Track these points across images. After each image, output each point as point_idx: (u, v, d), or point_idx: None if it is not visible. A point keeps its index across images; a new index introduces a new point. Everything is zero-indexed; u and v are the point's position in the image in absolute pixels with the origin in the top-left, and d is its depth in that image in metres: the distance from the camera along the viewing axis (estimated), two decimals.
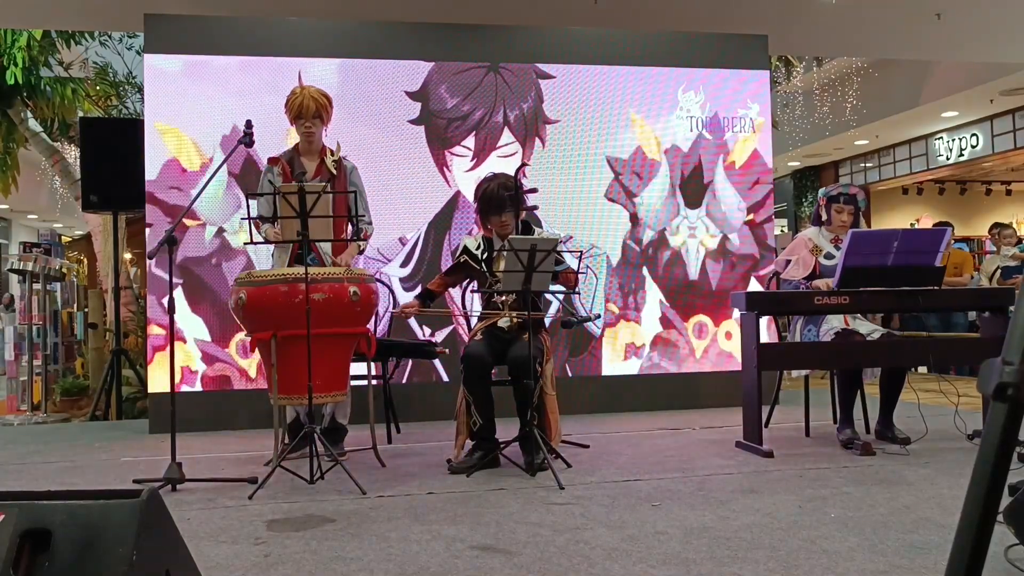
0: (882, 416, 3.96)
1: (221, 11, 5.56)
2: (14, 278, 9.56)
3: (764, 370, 3.72)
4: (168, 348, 3.39)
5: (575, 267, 3.75)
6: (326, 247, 3.79)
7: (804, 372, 4.24)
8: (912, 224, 11.89)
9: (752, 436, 3.74)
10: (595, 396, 5.28)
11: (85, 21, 6.79)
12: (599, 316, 5.26)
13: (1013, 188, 13.09)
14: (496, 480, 3.24)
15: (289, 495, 3.05)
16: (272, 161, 3.91)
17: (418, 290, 4.10)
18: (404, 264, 5.25)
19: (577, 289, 3.82)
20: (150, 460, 3.81)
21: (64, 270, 6.82)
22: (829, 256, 4.03)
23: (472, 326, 3.92)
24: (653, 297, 5.52)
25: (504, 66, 5.39)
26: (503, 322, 3.65)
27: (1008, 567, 2.03)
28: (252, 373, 4.97)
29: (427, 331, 5.20)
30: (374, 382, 3.81)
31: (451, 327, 5.20)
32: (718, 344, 5.54)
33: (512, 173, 3.66)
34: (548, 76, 5.45)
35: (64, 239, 15.66)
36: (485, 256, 3.71)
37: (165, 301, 3.62)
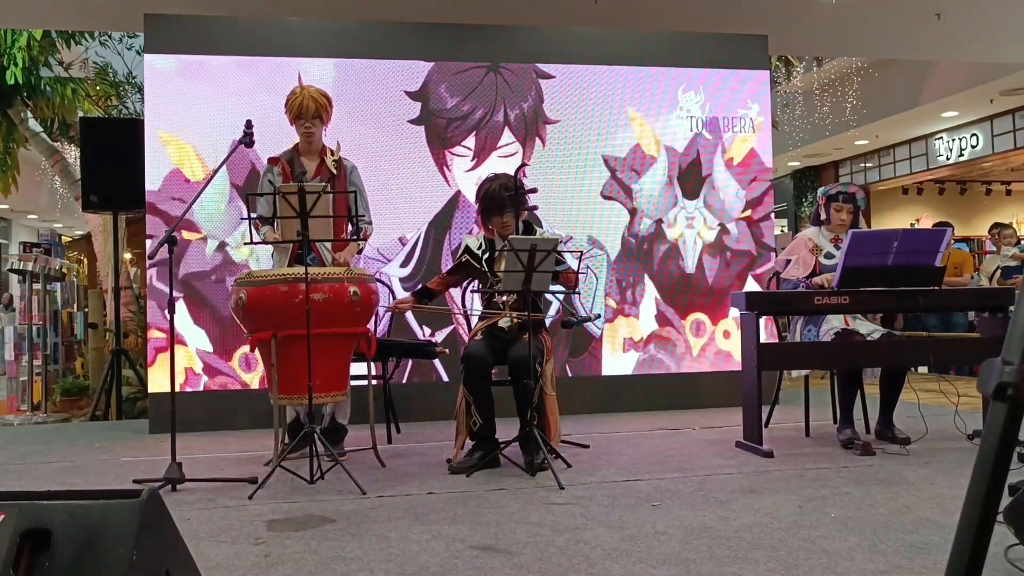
0: (882, 416, 3.96)
1: (221, 11, 5.57)
2: (14, 278, 9.56)
3: (764, 370, 3.72)
4: (168, 350, 3.39)
5: (575, 267, 3.75)
6: (326, 247, 3.79)
7: (804, 372, 4.24)
8: (912, 224, 11.90)
9: (752, 436, 3.74)
10: (595, 396, 5.28)
11: (85, 21, 6.79)
12: (599, 316, 5.25)
13: (1013, 188, 13.09)
14: (496, 480, 3.24)
15: (289, 495, 3.05)
16: (272, 161, 3.91)
17: (417, 288, 4.08)
18: (404, 264, 5.25)
19: (577, 289, 3.81)
20: (150, 460, 3.81)
21: (64, 270, 6.82)
22: (829, 256, 4.03)
23: (472, 326, 3.93)
24: (649, 295, 5.52)
25: (504, 66, 5.39)
26: (504, 322, 3.65)
27: (1008, 567, 2.03)
28: (255, 385, 4.96)
29: (427, 331, 5.20)
30: (374, 382, 3.81)
31: (451, 327, 5.19)
32: (716, 343, 5.53)
33: (513, 173, 3.66)
34: (548, 76, 5.45)
35: (64, 239, 15.66)
36: (487, 256, 3.72)
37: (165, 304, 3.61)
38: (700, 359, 5.50)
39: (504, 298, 3.64)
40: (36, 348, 6.38)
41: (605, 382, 5.36)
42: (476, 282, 3.91)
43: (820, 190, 4.28)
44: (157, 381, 4.81)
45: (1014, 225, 10.28)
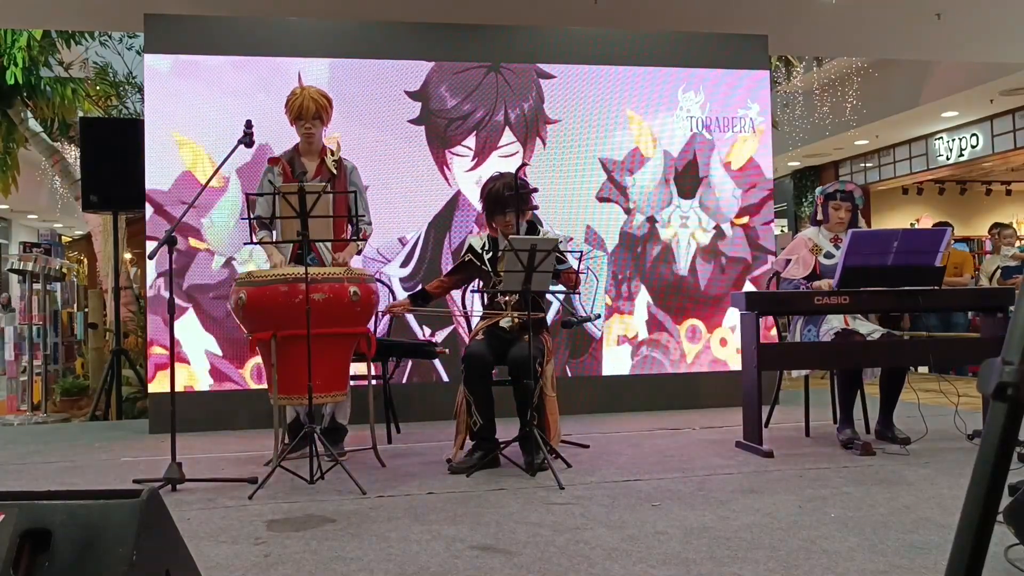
0: (882, 416, 3.96)
1: (221, 11, 5.56)
2: (14, 278, 9.56)
3: (764, 370, 3.72)
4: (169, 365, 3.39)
5: (576, 267, 3.75)
6: (325, 247, 3.79)
7: (804, 372, 4.24)
8: (912, 224, 11.89)
9: (752, 436, 3.74)
10: (595, 396, 5.28)
11: (85, 21, 6.79)
12: (599, 316, 5.25)
13: (1013, 188, 13.09)
14: (496, 480, 3.24)
15: (289, 495, 3.05)
16: (272, 161, 3.91)
17: (414, 291, 4.06)
18: (404, 264, 5.24)
19: (578, 290, 3.81)
20: (150, 460, 3.81)
21: (64, 270, 6.82)
22: (829, 255, 4.03)
23: (473, 326, 3.93)
24: (641, 299, 5.49)
25: (505, 66, 5.39)
26: (505, 322, 3.65)
27: (1008, 567, 2.03)
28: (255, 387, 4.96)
29: (427, 331, 5.20)
30: (374, 382, 3.81)
31: (451, 327, 5.19)
32: (711, 351, 5.50)
33: (514, 173, 3.66)
34: (549, 76, 5.45)
35: (64, 239, 15.66)
36: (490, 256, 3.71)
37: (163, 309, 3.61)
38: (695, 365, 5.48)
39: (506, 298, 3.64)
40: (36, 348, 6.38)
41: (605, 382, 5.36)
42: (477, 282, 3.91)
43: (818, 189, 4.28)
44: (157, 382, 4.81)
45: (1014, 225, 10.28)
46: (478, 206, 4.83)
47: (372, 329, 3.83)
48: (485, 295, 3.79)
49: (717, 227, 5.57)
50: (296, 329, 3.22)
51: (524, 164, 3.73)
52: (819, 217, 4.16)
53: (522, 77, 5.42)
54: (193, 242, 4.98)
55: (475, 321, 3.92)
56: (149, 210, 4.97)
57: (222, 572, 2.18)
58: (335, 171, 3.85)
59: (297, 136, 3.89)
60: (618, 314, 5.46)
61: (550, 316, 4.59)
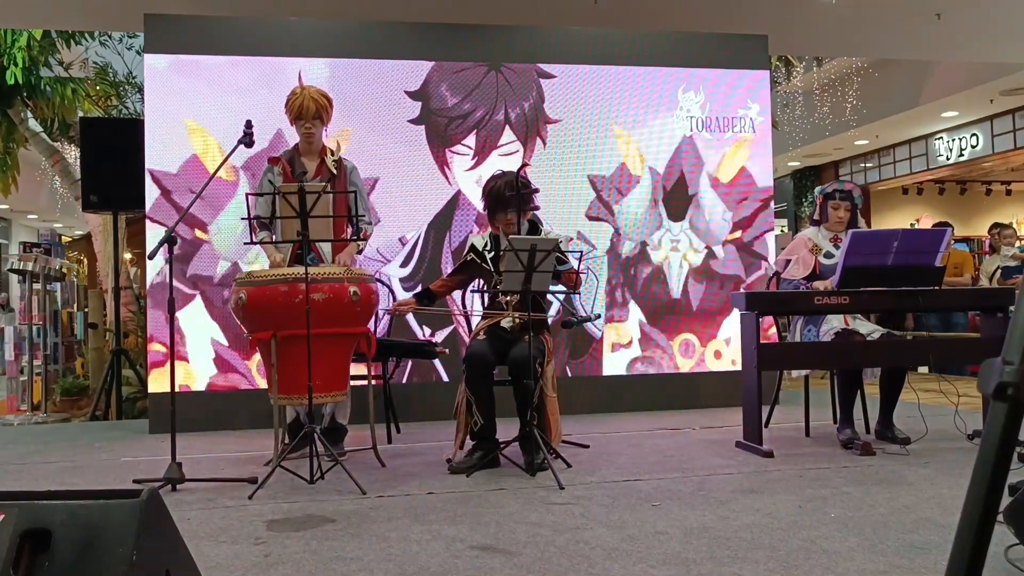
0: (882, 416, 3.96)
1: (221, 11, 5.56)
2: (14, 278, 9.56)
3: (764, 370, 3.72)
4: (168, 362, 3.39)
5: (576, 267, 3.75)
6: (326, 247, 3.79)
7: (804, 372, 4.24)
8: (912, 224, 11.90)
9: (752, 436, 3.74)
10: (595, 396, 5.28)
11: (85, 21, 6.79)
12: (599, 316, 5.24)
13: (1013, 188, 13.09)
14: (496, 480, 3.24)
15: (289, 495, 3.05)
16: (272, 161, 3.91)
17: (418, 290, 4.05)
18: (404, 264, 5.22)
19: (579, 290, 3.81)
20: (150, 460, 3.81)
21: (64, 270, 6.82)
22: (829, 255, 4.03)
23: (473, 326, 3.92)
24: (634, 317, 5.46)
25: (506, 66, 5.38)
26: (506, 322, 3.65)
27: (1008, 567, 2.03)
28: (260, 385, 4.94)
29: (427, 331, 5.19)
30: (374, 382, 3.81)
31: (451, 327, 5.19)
32: (706, 364, 5.49)
33: (516, 172, 3.65)
34: (549, 76, 5.44)
35: (64, 239, 15.65)
36: (492, 255, 3.71)
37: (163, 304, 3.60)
38: (695, 365, 5.47)
39: (507, 298, 3.64)
40: (36, 348, 6.37)
41: (605, 382, 5.36)
42: (478, 282, 3.91)
43: (817, 189, 4.28)
44: (157, 382, 4.81)
45: (1014, 225, 10.28)
46: (479, 205, 4.84)
47: (372, 329, 3.82)
48: (486, 295, 3.79)
49: (708, 248, 5.55)
50: (296, 329, 3.22)
51: (525, 164, 3.73)
52: (817, 217, 4.16)
53: (522, 76, 5.41)
54: (199, 233, 4.96)
55: (475, 321, 3.92)
56: (151, 195, 4.93)
57: (222, 572, 2.18)
58: (335, 171, 3.85)
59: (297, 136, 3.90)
60: (611, 322, 5.44)
61: (551, 316, 4.59)
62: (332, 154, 3.89)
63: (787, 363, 4.21)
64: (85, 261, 11.66)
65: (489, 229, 3.84)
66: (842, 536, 2.39)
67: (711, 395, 5.35)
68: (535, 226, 3.79)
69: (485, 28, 5.49)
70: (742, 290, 5.48)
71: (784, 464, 3.44)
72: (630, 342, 5.44)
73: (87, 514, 1.30)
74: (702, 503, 2.81)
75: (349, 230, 3.84)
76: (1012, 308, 1.54)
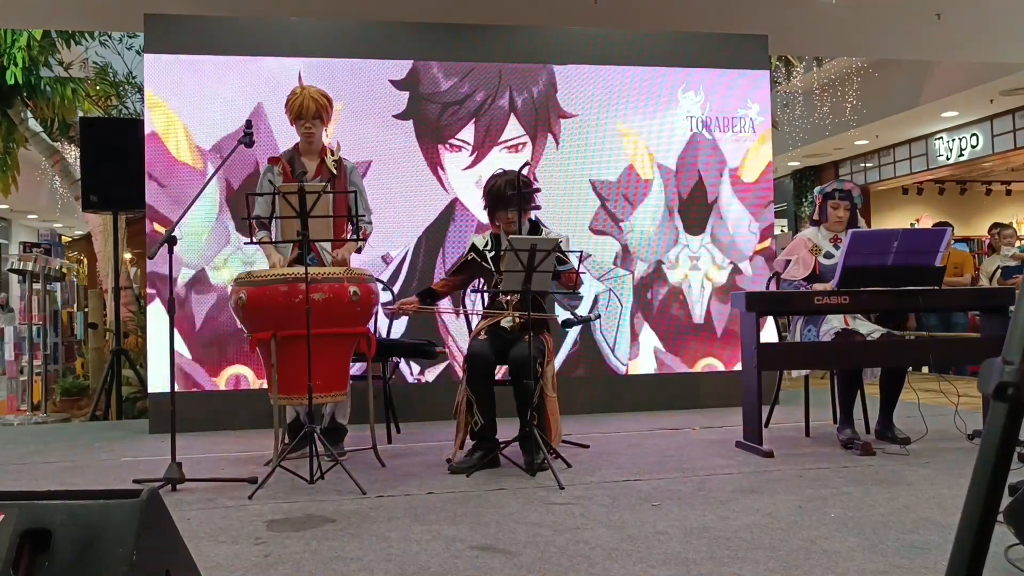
0: (882, 416, 3.96)
1: (221, 11, 5.56)
2: (14, 278, 9.56)
3: (764, 370, 3.72)
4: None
5: (576, 267, 3.75)
6: (325, 247, 3.79)
7: (804, 372, 4.24)
8: (912, 224, 11.90)
9: (752, 436, 3.74)
10: (595, 396, 5.28)
11: (85, 21, 6.79)
12: (599, 316, 5.23)
13: (1013, 188, 13.10)
14: (496, 480, 3.24)
15: (289, 495, 3.05)
16: (272, 161, 3.91)
17: (421, 290, 3.98)
18: (387, 286, 4.61)
19: (579, 291, 3.81)
20: (150, 460, 3.81)
21: (64, 270, 6.82)
22: (828, 255, 4.03)
23: (473, 326, 3.92)
24: (647, 344, 5.25)
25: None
26: (506, 322, 3.65)
27: (1008, 567, 2.03)
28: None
29: (416, 369, 5.01)
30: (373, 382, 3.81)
31: (445, 363, 5.00)
32: (706, 364, 5.40)
33: (517, 171, 3.64)
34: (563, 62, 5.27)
35: (64, 239, 15.64)
36: (493, 254, 3.71)
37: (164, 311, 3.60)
38: (695, 365, 5.45)
39: (508, 297, 3.64)
40: (36, 348, 6.37)
41: (605, 382, 5.35)
42: (478, 282, 3.90)
43: (816, 189, 4.28)
44: (158, 381, 4.80)
45: (1014, 225, 10.28)
46: (478, 212, 4.64)
47: (372, 329, 3.82)
48: (485, 294, 3.79)
49: (733, 264, 5.32)
50: (296, 329, 3.22)
51: (527, 163, 3.73)
52: (817, 217, 4.16)
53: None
54: (158, 227, 4.81)
55: (474, 321, 3.91)
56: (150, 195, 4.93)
57: (222, 572, 2.18)
58: (335, 171, 3.85)
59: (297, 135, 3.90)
60: (630, 360, 5.23)
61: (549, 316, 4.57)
62: (332, 154, 3.89)
63: (787, 363, 4.22)
64: (85, 261, 11.66)
65: (490, 228, 3.83)
66: (842, 536, 2.39)
67: (711, 395, 5.35)
68: (536, 226, 3.79)
69: (485, 28, 5.48)
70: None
71: (784, 464, 3.44)
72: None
73: (87, 514, 1.30)
74: (702, 503, 2.81)
75: (349, 229, 3.83)
76: (1012, 308, 1.54)
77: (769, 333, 4.53)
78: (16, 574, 1.24)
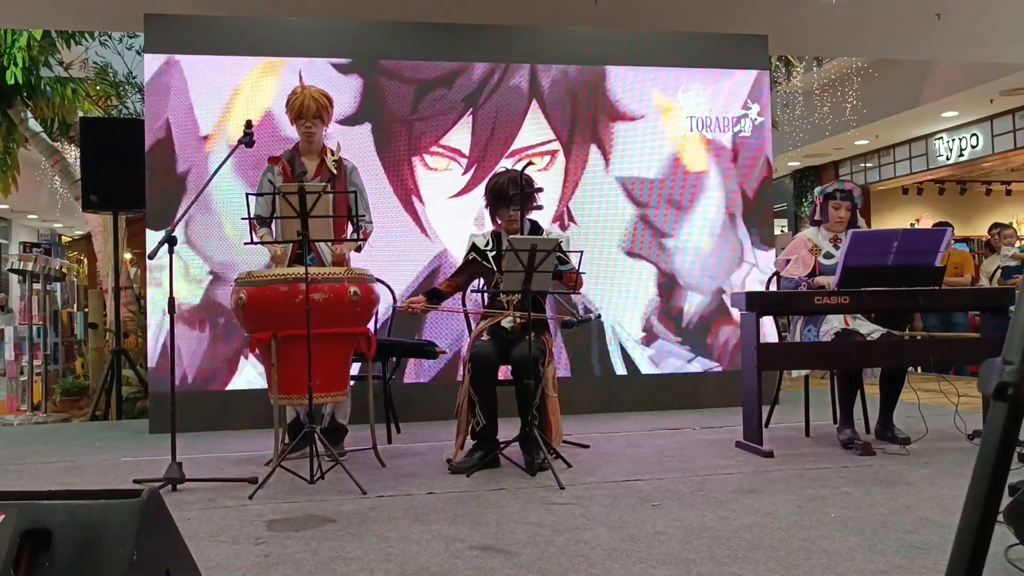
0: (882, 416, 3.96)
1: (221, 11, 5.56)
2: (14, 278, 9.56)
3: (764, 370, 3.72)
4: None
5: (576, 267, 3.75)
6: (325, 247, 3.79)
7: (804, 372, 4.24)
8: (912, 224, 11.90)
9: (752, 436, 3.74)
10: (595, 396, 5.28)
11: (85, 21, 6.79)
12: (599, 316, 5.22)
13: (1013, 188, 13.10)
14: (496, 480, 3.24)
15: (289, 495, 3.05)
16: (272, 160, 3.91)
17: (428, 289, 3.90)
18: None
19: (580, 290, 3.81)
20: (150, 460, 3.81)
21: (64, 270, 6.81)
22: (828, 255, 4.03)
23: (473, 326, 3.92)
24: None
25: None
26: (506, 322, 3.65)
27: (1008, 567, 2.03)
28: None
29: (418, 370, 4.94)
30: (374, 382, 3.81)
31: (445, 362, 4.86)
32: (707, 364, 5.32)
33: (521, 171, 3.62)
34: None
35: (64, 239, 15.63)
36: (494, 254, 3.71)
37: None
38: (695, 364, 5.44)
39: (508, 297, 3.64)
40: (36, 348, 6.37)
41: (605, 382, 5.35)
42: (478, 282, 3.90)
43: (817, 189, 4.27)
44: (158, 381, 4.80)
45: (1014, 225, 10.28)
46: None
47: (372, 329, 3.82)
48: (485, 294, 3.79)
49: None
50: (296, 329, 3.22)
51: (529, 163, 3.72)
52: (818, 217, 4.16)
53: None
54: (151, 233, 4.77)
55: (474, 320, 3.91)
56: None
57: (222, 572, 2.18)
58: (335, 171, 3.85)
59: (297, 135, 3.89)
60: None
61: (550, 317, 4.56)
62: (332, 154, 3.89)
63: (787, 363, 4.22)
64: (85, 261, 11.65)
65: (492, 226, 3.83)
66: (842, 536, 2.38)
67: (711, 395, 5.35)
68: (537, 226, 3.78)
69: (485, 28, 5.48)
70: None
71: (784, 464, 3.44)
72: None
73: (87, 514, 1.30)
74: (702, 503, 2.81)
75: (349, 229, 3.83)
76: (1012, 308, 1.54)
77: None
78: (16, 574, 1.24)
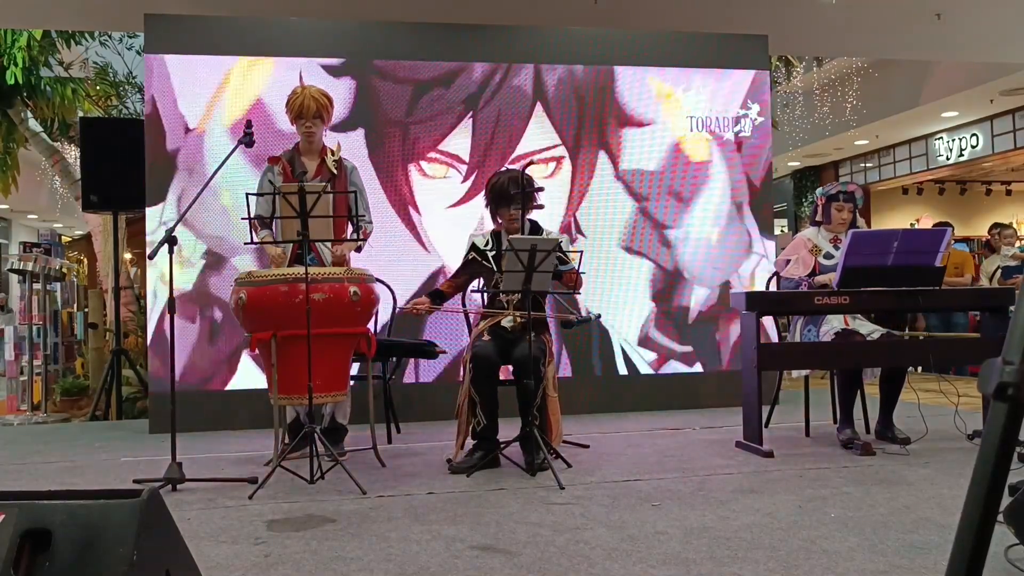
0: (882, 416, 3.96)
1: (221, 11, 5.56)
2: (14, 278, 9.56)
3: (764, 370, 3.72)
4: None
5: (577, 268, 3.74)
6: (325, 246, 3.79)
7: (804, 372, 4.24)
8: (912, 224, 11.90)
9: (752, 436, 3.74)
10: (595, 396, 5.28)
11: (85, 21, 6.79)
12: (599, 316, 5.21)
13: (1013, 188, 13.10)
14: (496, 480, 3.24)
15: (289, 495, 3.05)
16: (272, 160, 3.91)
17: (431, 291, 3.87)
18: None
19: (579, 290, 3.81)
20: (150, 460, 3.81)
21: (64, 270, 6.81)
22: (828, 256, 4.03)
23: (473, 326, 3.92)
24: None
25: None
26: (506, 321, 3.65)
27: (1008, 567, 2.03)
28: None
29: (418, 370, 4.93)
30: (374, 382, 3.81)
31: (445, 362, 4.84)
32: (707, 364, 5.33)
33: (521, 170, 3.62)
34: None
35: (64, 239, 15.63)
36: (494, 253, 3.71)
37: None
38: (696, 364, 5.44)
39: (508, 297, 3.64)
40: (36, 348, 6.37)
41: (605, 382, 5.35)
42: (478, 282, 3.90)
43: (819, 190, 4.27)
44: (158, 381, 4.80)
45: (1014, 225, 10.28)
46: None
47: (372, 329, 3.82)
48: (485, 294, 3.79)
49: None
50: (296, 329, 3.22)
51: (530, 162, 3.71)
52: (819, 218, 4.16)
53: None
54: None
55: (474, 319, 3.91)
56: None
57: (222, 572, 2.18)
58: (335, 171, 3.85)
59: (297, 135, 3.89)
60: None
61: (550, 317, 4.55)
62: (332, 154, 3.89)
63: (787, 363, 4.21)
64: (85, 261, 11.65)
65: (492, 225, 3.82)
66: (842, 536, 2.39)
67: (711, 395, 5.35)
68: (537, 226, 3.78)
69: (485, 28, 5.47)
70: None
71: (784, 464, 3.44)
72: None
73: (87, 514, 1.30)
74: (702, 503, 2.81)
75: (349, 229, 3.83)
76: (1012, 308, 1.54)
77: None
78: (16, 574, 1.24)
